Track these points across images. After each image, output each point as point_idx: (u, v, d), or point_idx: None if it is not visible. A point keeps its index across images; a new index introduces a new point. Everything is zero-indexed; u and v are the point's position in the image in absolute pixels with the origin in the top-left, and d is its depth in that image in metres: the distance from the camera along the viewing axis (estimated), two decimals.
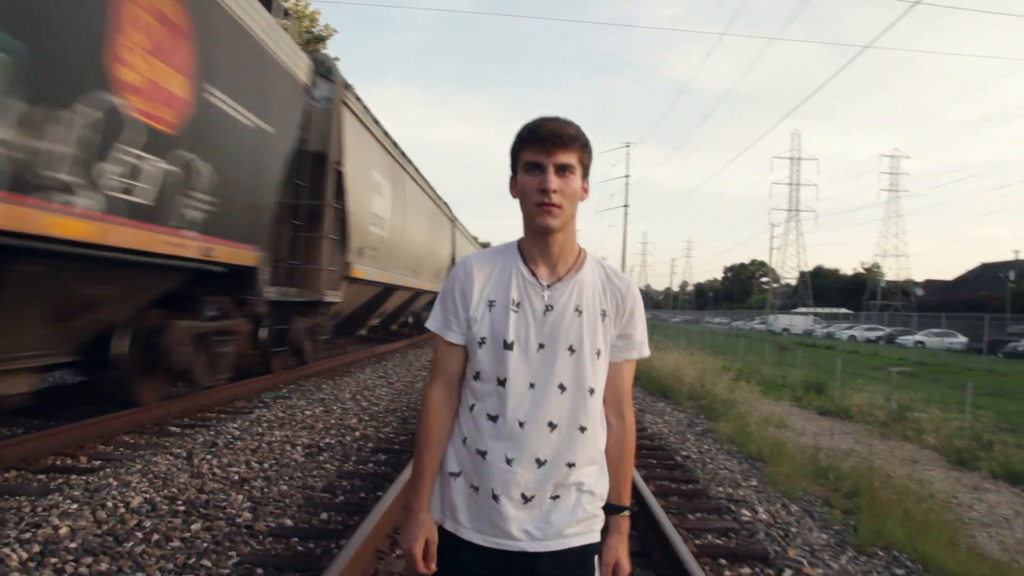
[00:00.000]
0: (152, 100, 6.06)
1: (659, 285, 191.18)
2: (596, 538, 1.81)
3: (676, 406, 12.00)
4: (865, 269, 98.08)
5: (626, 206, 57.69)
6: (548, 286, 1.79)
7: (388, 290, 16.60)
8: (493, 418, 1.76)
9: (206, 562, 3.75)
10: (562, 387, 1.75)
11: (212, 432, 6.88)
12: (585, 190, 1.82)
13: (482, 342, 1.78)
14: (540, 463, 1.75)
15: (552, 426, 1.75)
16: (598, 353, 1.79)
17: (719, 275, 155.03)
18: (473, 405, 1.80)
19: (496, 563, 1.76)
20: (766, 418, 10.31)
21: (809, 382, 16.39)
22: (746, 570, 4.19)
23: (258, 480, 5.39)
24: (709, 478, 6.62)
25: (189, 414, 7.83)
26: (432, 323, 1.85)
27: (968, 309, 51.02)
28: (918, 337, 45.06)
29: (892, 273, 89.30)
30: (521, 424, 1.74)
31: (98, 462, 5.71)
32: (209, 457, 5.88)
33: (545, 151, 1.74)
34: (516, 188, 1.81)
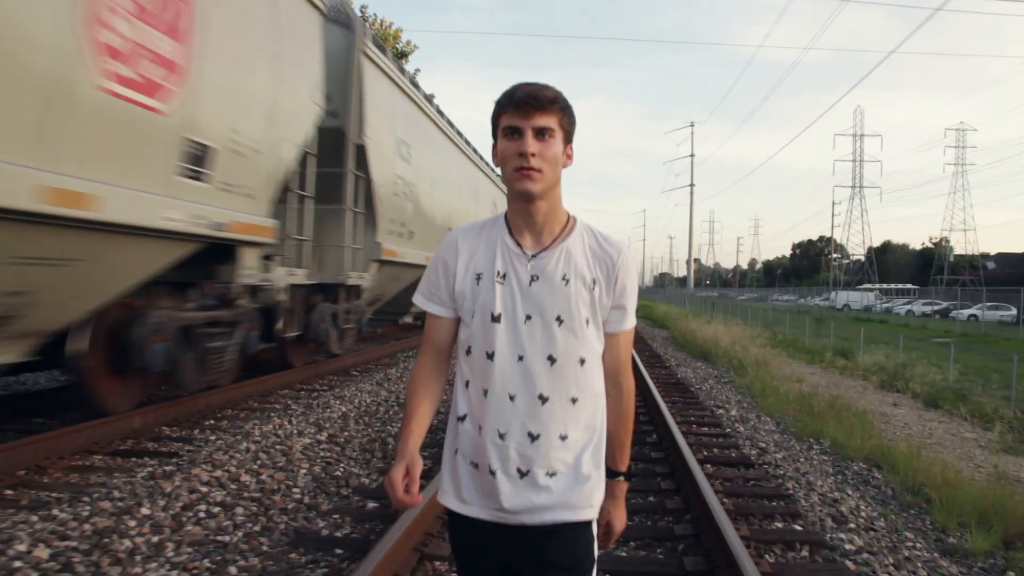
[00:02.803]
0: None
1: (727, 263, 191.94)
2: (593, 515, 1.79)
3: (712, 365, 15.21)
4: (933, 244, 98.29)
5: (692, 185, 60.11)
6: (533, 256, 1.75)
7: None
8: (485, 392, 1.73)
9: None
10: (551, 358, 1.72)
11: (385, 372, 10.52)
12: (569, 156, 1.78)
13: (471, 316, 1.76)
14: (533, 437, 1.72)
15: (543, 399, 1.71)
16: (587, 322, 1.75)
17: (788, 252, 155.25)
18: (468, 381, 1.77)
19: (497, 536, 1.75)
20: (786, 374, 13.33)
21: (837, 349, 19.41)
22: (705, 429, 7.61)
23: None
24: (709, 399, 9.98)
25: (359, 366, 11.50)
26: (417, 297, 1.86)
27: None
28: (972, 311, 46.86)
29: (961, 247, 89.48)
30: (511, 397, 1.71)
31: (303, 395, 9.28)
32: (400, 377, 9.52)
33: (523, 114, 1.70)
34: (497, 155, 1.76)
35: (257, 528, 4.10)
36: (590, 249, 1.79)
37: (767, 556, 4.04)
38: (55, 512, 4.08)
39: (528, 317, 1.72)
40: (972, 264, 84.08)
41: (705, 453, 6.47)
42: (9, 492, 4.59)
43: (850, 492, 5.81)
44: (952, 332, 35.11)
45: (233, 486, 4.79)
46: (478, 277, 1.76)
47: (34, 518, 3.98)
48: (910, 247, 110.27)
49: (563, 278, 1.74)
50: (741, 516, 4.66)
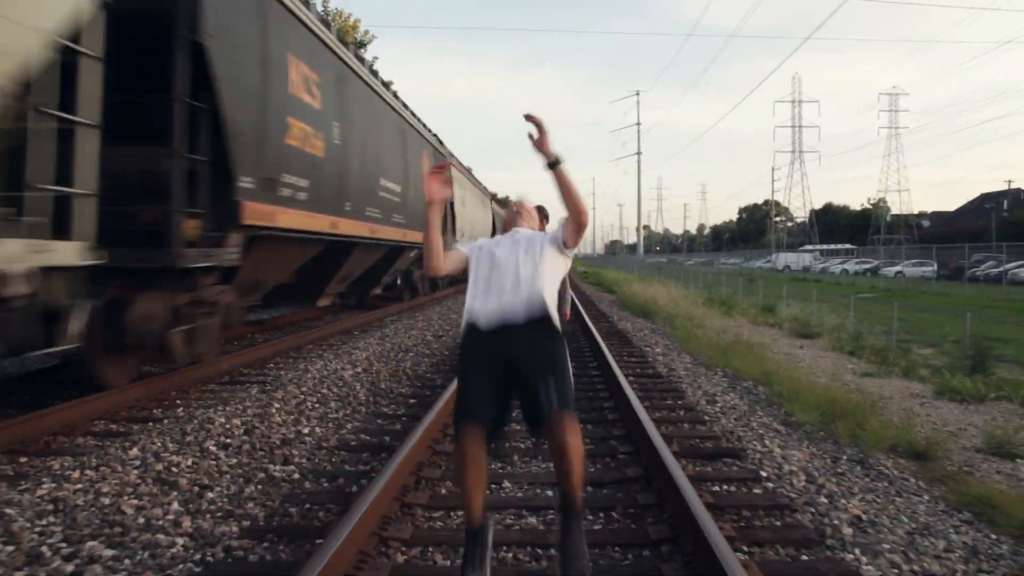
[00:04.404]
0: None
1: (677, 229, 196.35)
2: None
3: (650, 320, 17.94)
4: (872, 204, 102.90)
5: (639, 153, 63.03)
6: None
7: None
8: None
9: (426, 363, 9.91)
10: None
11: (386, 330, 13.05)
12: None
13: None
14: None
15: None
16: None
17: (735, 216, 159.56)
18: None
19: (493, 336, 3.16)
20: (715, 327, 16.02)
21: (763, 305, 22.32)
22: (633, 360, 10.30)
23: (427, 335, 11.54)
24: (642, 343, 12.68)
25: (363, 327, 14.00)
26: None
27: (967, 239, 56.05)
28: (898, 268, 50.68)
29: (897, 207, 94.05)
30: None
31: (326, 348, 11.82)
32: (394, 334, 12.07)
33: None
34: None
35: (349, 412, 6.70)
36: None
37: (656, 414, 6.70)
38: (220, 408, 6.60)
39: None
40: (907, 223, 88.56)
41: (629, 372, 9.13)
42: (179, 401, 7.10)
43: (731, 394, 8.43)
44: (877, 288, 38.53)
45: (319, 395, 7.35)
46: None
47: (210, 411, 6.49)
48: (850, 208, 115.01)
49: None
50: (646, 399, 7.33)
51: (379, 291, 19.08)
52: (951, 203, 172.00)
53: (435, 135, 21.08)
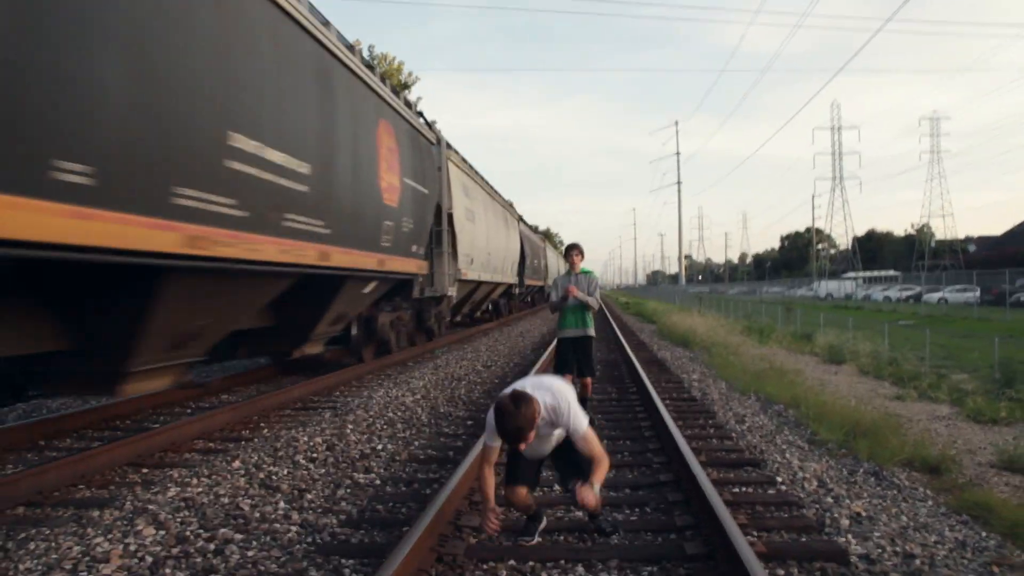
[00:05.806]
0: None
1: (718, 258, 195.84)
2: None
3: (688, 349, 18.60)
4: (915, 230, 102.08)
5: (679, 183, 63.73)
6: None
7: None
8: None
9: (479, 390, 10.75)
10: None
11: (433, 363, 13.92)
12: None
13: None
14: None
15: None
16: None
17: (776, 244, 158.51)
18: None
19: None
20: (752, 354, 16.62)
21: (800, 333, 22.83)
22: (671, 386, 11.03)
23: (477, 364, 12.37)
24: (678, 369, 13.38)
25: (415, 359, 14.91)
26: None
27: (1015, 264, 55.39)
28: (941, 294, 50.50)
29: (942, 232, 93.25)
30: None
31: (384, 378, 12.70)
32: (446, 365, 12.93)
33: (514, 444, 3.97)
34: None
35: (413, 432, 7.56)
36: (546, 421, 4.05)
37: (687, 431, 7.44)
38: (300, 429, 7.50)
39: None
40: (952, 248, 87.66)
41: (666, 397, 9.87)
42: (262, 424, 8.03)
43: (761, 416, 9.11)
44: (918, 314, 38.56)
45: (386, 418, 8.23)
46: None
47: (292, 431, 7.40)
48: (894, 234, 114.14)
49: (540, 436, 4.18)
50: (680, 419, 8.07)
51: (316, 349, 11.46)
52: (997, 226, 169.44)
53: (419, 112, 15.12)
